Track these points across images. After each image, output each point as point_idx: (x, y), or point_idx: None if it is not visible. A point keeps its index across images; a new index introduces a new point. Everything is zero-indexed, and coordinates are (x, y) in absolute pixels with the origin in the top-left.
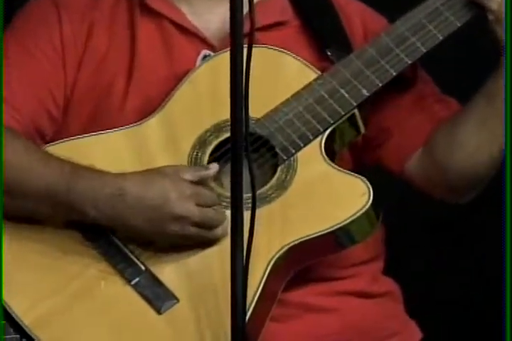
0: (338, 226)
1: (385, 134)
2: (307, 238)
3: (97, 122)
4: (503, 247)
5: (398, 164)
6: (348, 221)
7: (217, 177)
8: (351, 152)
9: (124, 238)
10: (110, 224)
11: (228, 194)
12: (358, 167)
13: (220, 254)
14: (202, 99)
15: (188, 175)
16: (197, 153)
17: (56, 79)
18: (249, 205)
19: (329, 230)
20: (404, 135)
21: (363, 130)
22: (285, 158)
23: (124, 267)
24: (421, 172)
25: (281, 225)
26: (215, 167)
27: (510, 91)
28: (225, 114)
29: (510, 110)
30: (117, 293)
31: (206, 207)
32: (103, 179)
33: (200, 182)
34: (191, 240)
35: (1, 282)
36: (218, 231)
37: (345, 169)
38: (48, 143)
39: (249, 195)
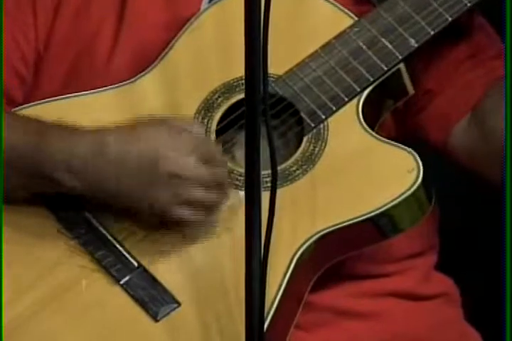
0: (380, 210)
1: (427, 97)
2: (341, 225)
3: (77, 81)
4: None
5: (440, 134)
6: (391, 204)
7: (228, 150)
8: (394, 118)
9: (112, 226)
10: (89, 192)
11: (242, 170)
12: (404, 137)
13: (232, 246)
14: (209, 52)
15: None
16: (203, 118)
17: (24, 28)
18: (269, 184)
19: (368, 215)
20: (450, 97)
21: (411, 90)
22: (313, 125)
23: (111, 262)
24: (467, 143)
25: (308, 209)
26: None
27: (510, 90)
28: (238, 70)
29: (510, 109)
30: (102, 295)
31: (212, 165)
32: (78, 136)
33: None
34: (193, 207)
35: (0, 283)
36: (227, 194)
37: (387, 139)
38: None
39: (269, 171)
